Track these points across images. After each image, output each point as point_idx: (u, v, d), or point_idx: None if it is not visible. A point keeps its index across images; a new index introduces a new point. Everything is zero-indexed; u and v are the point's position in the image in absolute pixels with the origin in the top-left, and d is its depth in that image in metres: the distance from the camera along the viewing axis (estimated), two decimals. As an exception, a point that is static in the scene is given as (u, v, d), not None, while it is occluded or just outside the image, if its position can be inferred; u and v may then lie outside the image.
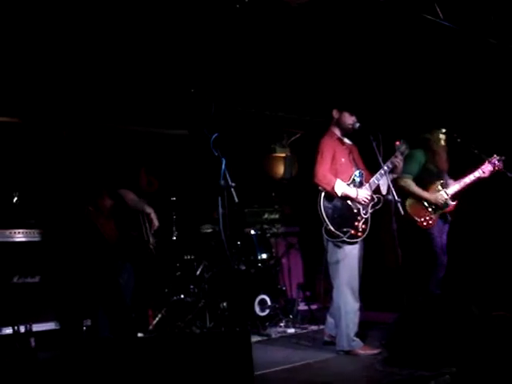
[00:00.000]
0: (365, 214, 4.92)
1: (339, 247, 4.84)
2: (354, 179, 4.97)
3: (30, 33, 5.40)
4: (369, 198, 4.91)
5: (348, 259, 4.83)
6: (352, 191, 4.87)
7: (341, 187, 4.83)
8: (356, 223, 4.86)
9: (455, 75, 6.53)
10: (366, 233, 4.92)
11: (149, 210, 5.92)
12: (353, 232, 4.81)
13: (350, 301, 4.80)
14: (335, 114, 5.13)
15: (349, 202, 4.88)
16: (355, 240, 4.85)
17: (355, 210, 4.89)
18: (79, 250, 4.06)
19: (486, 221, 6.47)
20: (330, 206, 4.82)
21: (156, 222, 5.91)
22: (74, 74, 5.90)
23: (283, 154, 9.40)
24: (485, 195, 6.25)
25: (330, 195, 4.83)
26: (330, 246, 4.90)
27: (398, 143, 5.09)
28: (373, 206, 4.98)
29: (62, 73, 5.88)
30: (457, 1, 5.41)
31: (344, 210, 4.87)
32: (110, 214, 4.29)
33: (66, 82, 5.23)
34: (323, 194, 4.82)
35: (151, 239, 5.90)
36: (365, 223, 4.91)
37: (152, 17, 5.41)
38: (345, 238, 4.77)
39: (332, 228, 4.75)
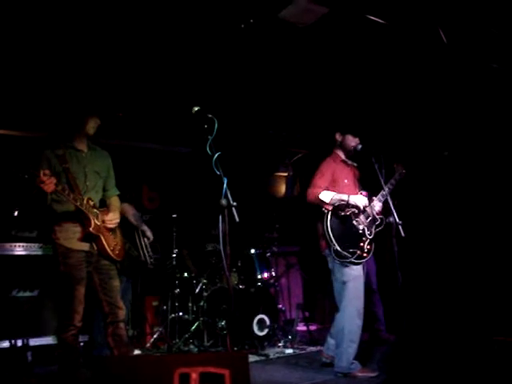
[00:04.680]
0: (369, 235, 4.92)
1: (346, 268, 4.81)
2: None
3: (36, 47, 5.48)
4: (364, 203, 4.91)
5: (354, 280, 4.82)
6: (342, 195, 4.87)
7: (327, 195, 4.83)
8: (361, 244, 4.85)
9: (457, 98, 6.56)
10: (371, 253, 4.92)
11: (144, 227, 5.96)
12: (359, 252, 4.80)
13: (355, 322, 4.77)
14: (338, 136, 5.16)
15: (354, 222, 4.87)
16: (361, 261, 4.84)
17: (360, 231, 4.88)
18: (83, 263, 4.05)
19: (489, 247, 6.46)
20: (336, 227, 4.80)
21: (151, 236, 5.95)
22: (80, 88, 5.96)
23: (285, 174, 9.44)
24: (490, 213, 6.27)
25: (336, 216, 4.82)
26: (337, 266, 4.88)
27: (396, 165, 5.14)
28: (376, 227, 4.99)
29: (69, 87, 5.95)
30: (460, 26, 5.45)
31: (349, 231, 4.86)
32: (115, 228, 4.29)
33: (73, 97, 5.28)
34: (329, 215, 4.80)
35: (149, 259, 5.91)
36: (369, 244, 4.91)
37: (159, 37, 5.46)
38: (352, 259, 4.77)
39: (339, 248, 4.73)
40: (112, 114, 4.48)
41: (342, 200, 4.86)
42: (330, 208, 4.83)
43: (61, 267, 3.97)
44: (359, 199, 4.91)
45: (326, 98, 7.10)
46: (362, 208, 4.92)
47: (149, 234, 5.95)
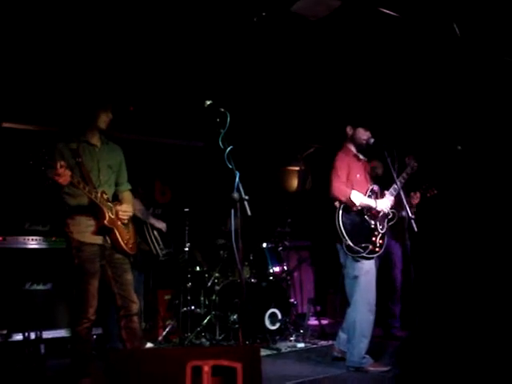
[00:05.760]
0: (381, 230, 4.89)
1: (358, 263, 4.80)
2: (369, 194, 4.95)
3: (48, 42, 5.50)
4: (389, 206, 4.89)
5: (366, 274, 4.80)
6: (371, 201, 4.85)
7: (358, 197, 4.78)
8: (374, 238, 4.83)
9: (470, 92, 6.51)
10: (384, 248, 4.90)
11: (153, 220, 5.99)
12: (371, 247, 4.78)
13: (367, 316, 4.77)
14: (349, 130, 5.10)
15: (366, 217, 4.85)
16: (373, 255, 4.83)
17: (372, 226, 4.86)
18: (97, 256, 4.06)
19: (503, 242, 6.42)
20: (347, 221, 4.77)
21: (162, 226, 5.99)
22: (92, 82, 5.98)
23: (297, 168, 9.42)
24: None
25: (348, 211, 4.79)
26: (349, 261, 4.86)
27: (407, 159, 5.12)
28: (388, 221, 4.97)
29: (81, 80, 5.97)
30: (473, 18, 5.41)
31: (362, 226, 4.84)
32: (128, 222, 4.30)
33: (84, 91, 5.30)
34: (341, 210, 4.77)
35: (160, 252, 5.93)
36: (382, 238, 4.88)
37: (171, 30, 5.47)
38: (364, 254, 4.75)
39: (351, 243, 4.71)
40: (124, 107, 4.48)
41: (370, 206, 4.84)
42: (357, 206, 4.81)
43: (74, 261, 3.97)
44: (385, 204, 4.89)
45: (337, 91, 7.07)
46: (387, 212, 4.91)
47: (158, 225, 6.01)
